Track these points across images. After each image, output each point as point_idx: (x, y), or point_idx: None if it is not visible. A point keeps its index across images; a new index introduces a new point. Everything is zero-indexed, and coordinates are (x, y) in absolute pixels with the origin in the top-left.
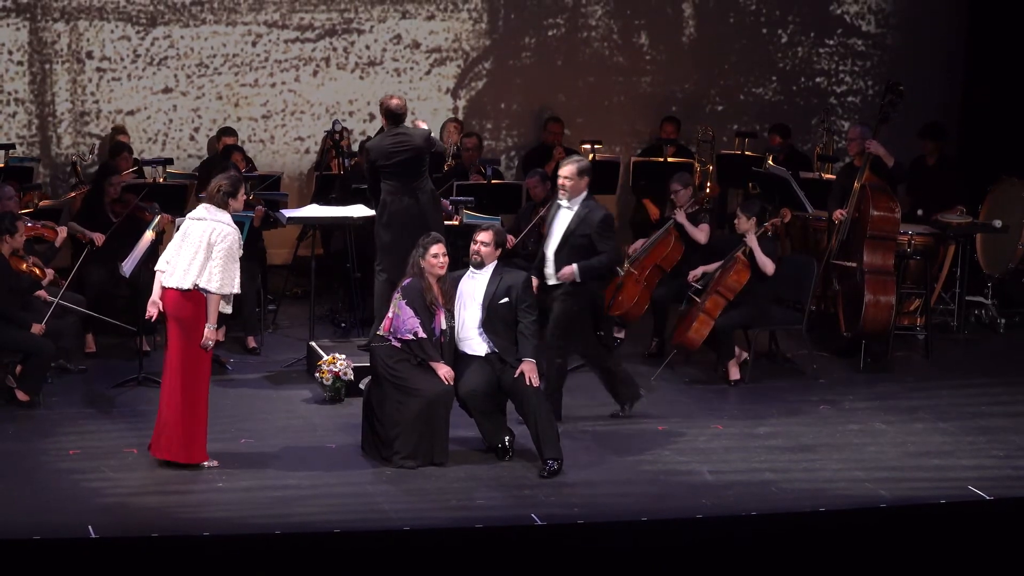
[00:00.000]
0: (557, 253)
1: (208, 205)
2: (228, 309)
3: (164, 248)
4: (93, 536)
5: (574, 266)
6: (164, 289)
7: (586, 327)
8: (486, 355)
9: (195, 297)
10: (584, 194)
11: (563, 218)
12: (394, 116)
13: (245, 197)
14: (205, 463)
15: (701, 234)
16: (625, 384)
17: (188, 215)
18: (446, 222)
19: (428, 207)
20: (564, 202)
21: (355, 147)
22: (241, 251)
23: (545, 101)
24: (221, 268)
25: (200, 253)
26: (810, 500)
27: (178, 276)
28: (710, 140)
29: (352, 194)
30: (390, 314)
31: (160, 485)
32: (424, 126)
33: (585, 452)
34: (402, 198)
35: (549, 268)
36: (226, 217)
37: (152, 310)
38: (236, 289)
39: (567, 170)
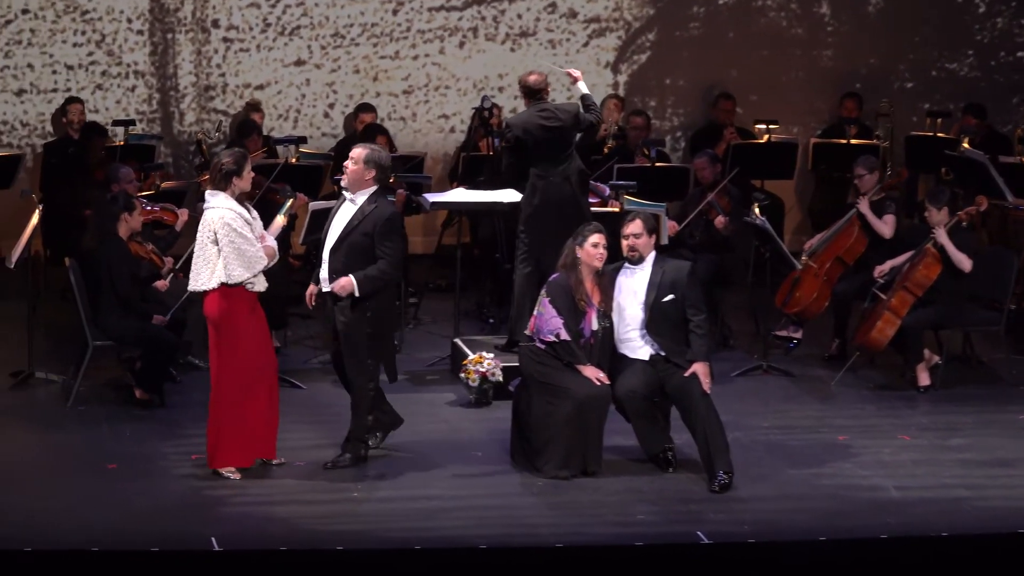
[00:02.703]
0: (333, 253)
1: (208, 190)
2: (261, 286)
3: (300, 231)
4: (216, 549)
5: (351, 277)
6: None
7: (357, 346)
8: (650, 358)
9: (223, 294)
10: (373, 189)
11: (344, 212)
12: (533, 92)
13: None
14: (223, 470)
15: (885, 227)
16: (385, 413)
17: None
18: (604, 208)
19: (579, 191)
20: (348, 193)
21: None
22: (249, 224)
23: (715, 77)
24: (236, 256)
25: (207, 248)
26: (1007, 520)
27: (194, 279)
28: (889, 113)
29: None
30: (535, 312)
31: (289, 494)
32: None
33: (757, 464)
34: (554, 180)
35: (324, 271)
36: (218, 200)
37: None
38: (263, 261)
39: (355, 153)
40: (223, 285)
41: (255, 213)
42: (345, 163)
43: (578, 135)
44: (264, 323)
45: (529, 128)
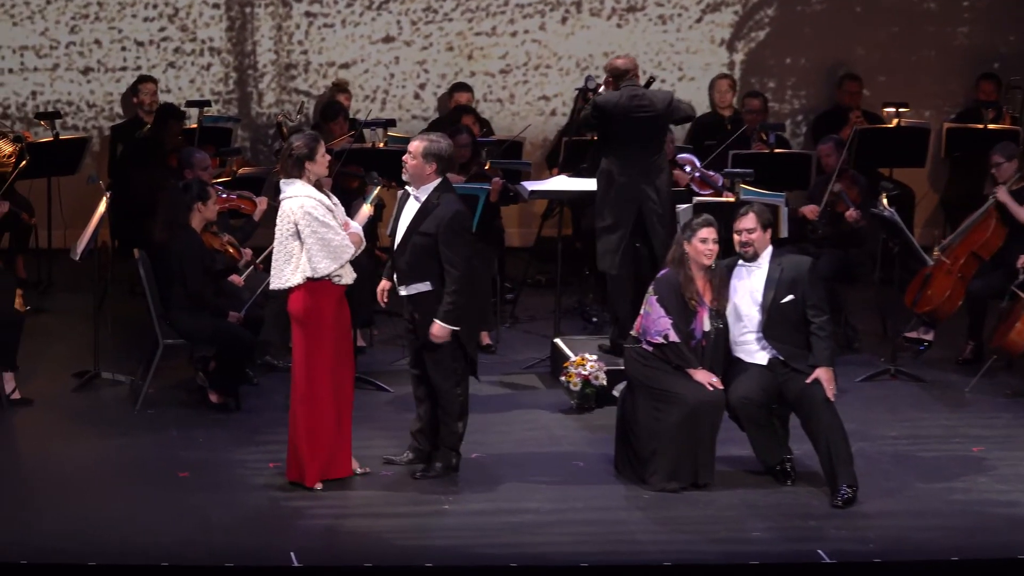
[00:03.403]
0: (398, 254)
1: (282, 179)
2: (349, 278)
3: (387, 222)
4: (296, 565)
5: (438, 324)
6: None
7: (440, 349)
8: (768, 362)
9: (309, 289)
10: (436, 182)
11: (408, 212)
12: (621, 75)
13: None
14: (318, 486)
15: None
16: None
17: None
18: (719, 198)
19: (664, 194)
20: (411, 189)
21: None
22: (330, 211)
23: (840, 56)
24: (321, 247)
25: (288, 242)
26: None
27: (276, 276)
28: (1021, 86)
29: None
30: (641, 312)
31: (375, 506)
32: None
33: (884, 477)
34: (633, 174)
35: (396, 273)
36: (295, 188)
37: None
38: (350, 250)
39: (412, 146)
40: (308, 280)
41: (335, 199)
42: (404, 156)
43: (670, 126)
44: (349, 321)
45: (618, 109)
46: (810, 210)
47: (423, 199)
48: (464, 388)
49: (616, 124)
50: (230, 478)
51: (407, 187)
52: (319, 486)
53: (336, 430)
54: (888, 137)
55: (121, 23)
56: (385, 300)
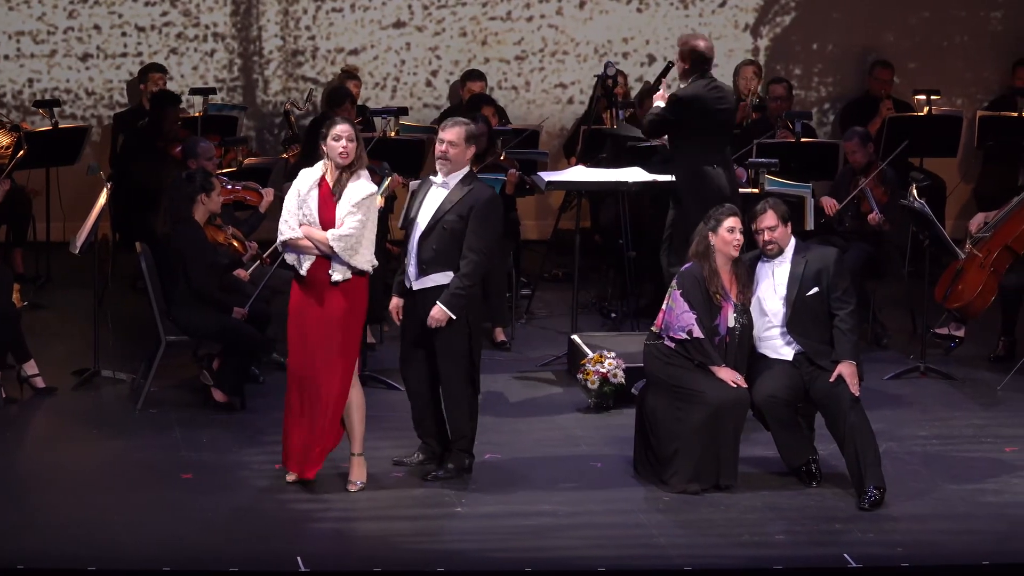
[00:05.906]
0: (422, 241)
1: None
2: (295, 263)
3: (399, 214)
4: (303, 570)
5: (439, 307)
6: None
7: (452, 346)
8: (794, 358)
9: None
10: (465, 170)
11: (433, 198)
12: (706, 60)
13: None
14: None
15: None
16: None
17: None
18: (742, 190)
19: (734, 182)
20: (437, 178)
21: (633, 95)
22: (300, 198)
23: (868, 41)
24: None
25: None
26: None
27: None
28: None
29: (627, 154)
30: (664, 306)
31: (384, 509)
32: None
33: (913, 478)
34: (718, 169)
35: (411, 267)
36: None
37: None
38: (281, 236)
39: (451, 133)
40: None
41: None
42: (441, 147)
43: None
44: (319, 320)
45: (705, 106)
46: (830, 204)
47: (452, 184)
48: (476, 387)
49: (697, 119)
50: (235, 480)
51: (431, 176)
52: (276, 467)
53: (294, 422)
54: (918, 125)
55: (121, 7)
56: (399, 318)
